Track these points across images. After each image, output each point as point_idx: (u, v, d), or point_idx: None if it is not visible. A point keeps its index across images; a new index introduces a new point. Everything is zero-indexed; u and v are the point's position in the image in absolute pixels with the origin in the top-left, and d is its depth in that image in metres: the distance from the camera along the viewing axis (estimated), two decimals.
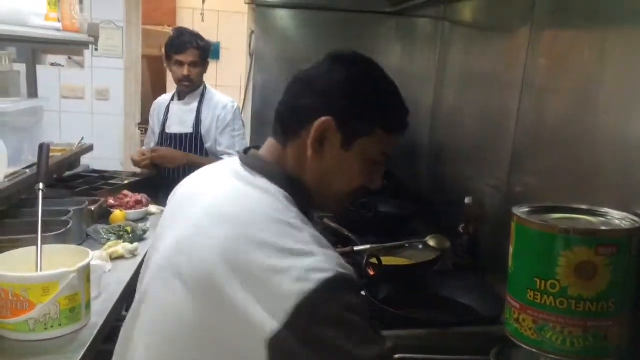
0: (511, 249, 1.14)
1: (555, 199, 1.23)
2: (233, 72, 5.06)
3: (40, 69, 3.06)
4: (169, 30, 5.51)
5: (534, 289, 1.06)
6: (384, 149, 1.02)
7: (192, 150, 2.84)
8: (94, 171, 2.94)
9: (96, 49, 3.60)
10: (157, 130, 2.96)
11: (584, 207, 1.14)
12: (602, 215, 1.11)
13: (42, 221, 1.54)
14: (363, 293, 0.92)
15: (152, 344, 0.94)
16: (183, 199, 1.07)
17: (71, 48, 2.84)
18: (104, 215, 2.30)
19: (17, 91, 2.76)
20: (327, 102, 0.98)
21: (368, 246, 1.83)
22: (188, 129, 2.86)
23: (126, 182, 2.69)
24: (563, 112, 1.47)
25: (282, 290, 0.81)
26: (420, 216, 2.35)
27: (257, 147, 1.08)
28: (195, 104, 2.88)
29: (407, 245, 1.97)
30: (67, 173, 2.68)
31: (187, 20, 5.55)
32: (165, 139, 2.90)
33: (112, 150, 3.97)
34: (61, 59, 3.96)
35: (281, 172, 1.00)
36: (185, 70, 2.78)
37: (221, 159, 2.65)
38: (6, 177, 1.83)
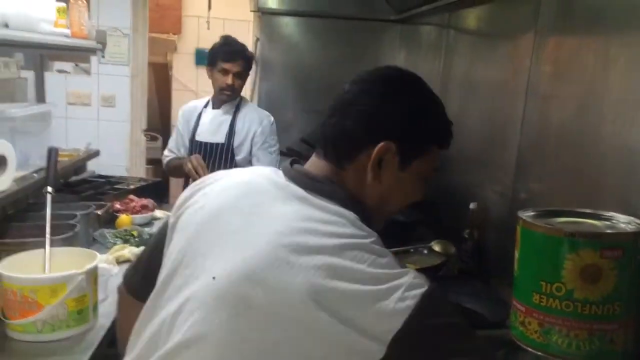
0: (517, 253, 1.14)
1: (560, 204, 1.24)
2: None
3: (47, 76, 3.09)
4: (174, 37, 5.57)
5: (539, 292, 1.07)
6: (438, 164, 1.05)
7: (222, 161, 2.77)
8: (100, 176, 2.95)
9: (103, 56, 3.63)
10: (187, 137, 2.88)
11: (589, 211, 1.15)
12: (607, 219, 1.12)
13: (50, 224, 1.55)
14: None
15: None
16: (225, 214, 0.97)
17: (79, 54, 2.87)
18: (110, 220, 2.31)
19: (24, 97, 2.79)
20: (386, 128, 0.98)
21: None
22: (220, 139, 2.77)
23: (132, 187, 2.71)
24: (567, 119, 1.48)
25: (385, 315, 0.82)
26: (425, 222, 2.36)
27: (297, 162, 1.06)
28: (230, 115, 2.80)
29: (412, 250, 1.98)
30: (74, 178, 2.70)
31: (193, 28, 5.60)
32: (195, 146, 2.81)
33: (117, 156, 3.99)
34: (68, 65, 3.99)
35: (347, 194, 0.98)
36: (229, 79, 2.71)
37: None
38: (14, 180, 1.85)
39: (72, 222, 1.91)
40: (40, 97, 2.72)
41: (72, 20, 2.40)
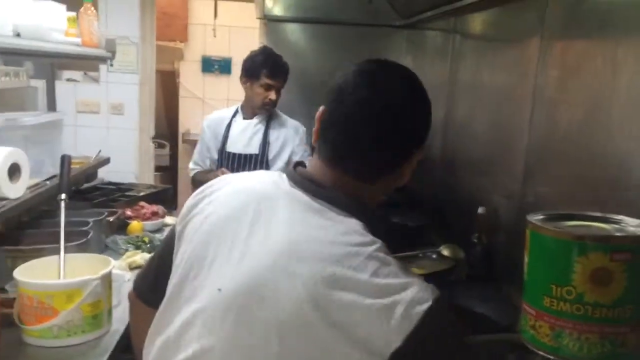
0: (526, 257, 1.15)
1: (568, 208, 1.25)
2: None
3: (57, 85, 3.13)
4: (181, 45, 5.61)
5: (550, 296, 1.07)
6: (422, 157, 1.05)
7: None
8: (111, 183, 2.98)
9: (111, 64, 3.66)
10: (214, 148, 2.81)
11: (598, 214, 1.16)
12: (616, 222, 1.13)
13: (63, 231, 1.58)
14: None
15: None
16: (230, 222, 0.97)
17: (89, 63, 2.90)
18: (121, 227, 2.34)
19: (34, 106, 2.82)
20: (419, 138, 1.03)
21: None
22: (253, 150, 2.71)
23: (142, 193, 2.73)
24: (575, 123, 1.49)
25: (386, 330, 0.82)
26: (433, 227, 2.37)
27: (301, 165, 1.06)
28: (262, 125, 2.74)
29: (420, 255, 1.99)
30: (85, 185, 2.73)
31: (199, 35, 5.63)
32: (226, 157, 2.74)
33: (126, 163, 4.02)
34: (77, 74, 4.03)
35: (352, 201, 0.97)
36: (273, 95, 2.67)
37: None
38: (28, 188, 1.88)
39: (85, 228, 1.93)
40: (51, 106, 2.76)
41: (83, 29, 2.43)
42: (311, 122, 1.07)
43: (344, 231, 0.91)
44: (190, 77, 5.71)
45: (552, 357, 1.09)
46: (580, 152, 1.44)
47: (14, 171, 1.76)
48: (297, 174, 1.01)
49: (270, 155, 2.71)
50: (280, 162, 2.71)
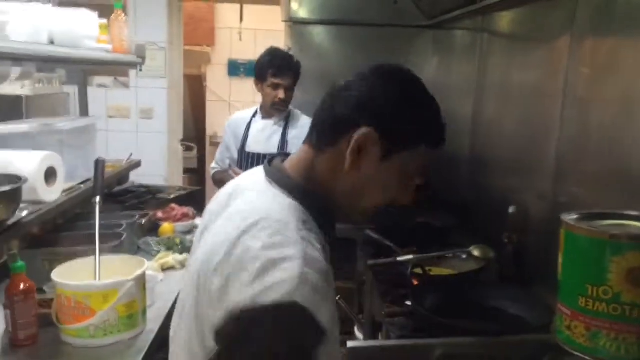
0: (560, 256, 1.14)
1: (603, 207, 1.23)
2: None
3: (88, 90, 3.19)
4: (208, 50, 5.67)
5: (585, 296, 1.06)
6: (424, 164, 1.01)
7: None
8: (142, 186, 3.03)
9: (140, 70, 3.73)
10: (235, 148, 2.87)
11: (634, 213, 1.14)
12: None
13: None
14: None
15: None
16: (213, 218, 1.04)
17: (119, 68, 2.96)
18: (152, 228, 2.38)
19: (66, 111, 2.89)
20: (371, 113, 0.96)
21: (411, 256, 1.84)
22: (272, 149, 2.72)
23: (173, 196, 2.77)
24: (608, 121, 1.47)
25: (235, 293, 0.84)
26: (463, 227, 2.36)
27: (287, 155, 1.09)
28: (281, 124, 2.79)
29: (450, 255, 1.98)
30: (117, 188, 2.78)
31: (226, 39, 5.69)
32: (245, 157, 2.79)
33: (156, 166, 4.08)
34: (107, 80, 4.12)
35: (298, 184, 0.98)
36: (281, 94, 2.71)
37: None
38: (64, 192, 1.92)
39: (118, 231, 1.97)
40: (84, 111, 2.82)
41: (113, 36, 2.49)
42: None
43: (270, 207, 0.94)
44: (216, 80, 5.77)
45: (588, 358, 1.08)
46: (613, 151, 1.42)
47: (50, 175, 1.81)
48: (269, 164, 1.06)
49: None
50: None
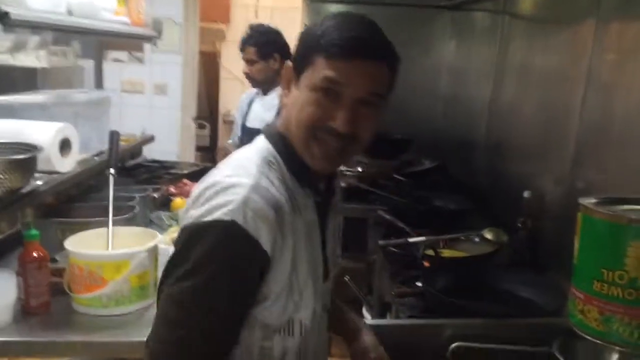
0: (577, 241, 1.13)
1: (622, 193, 1.21)
2: None
3: (103, 65, 3.19)
4: (223, 27, 5.64)
5: (600, 280, 1.05)
6: (326, 74, 0.97)
7: None
8: (155, 161, 3.03)
9: (155, 45, 3.72)
10: (239, 124, 3.00)
11: None
12: None
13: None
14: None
15: None
16: None
17: (135, 43, 2.95)
18: (164, 203, 2.38)
19: (81, 84, 2.89)
20: (290, 50, 1.10)
21: (423, 238, 1.84)
22: None
23: (186, 171, 2.78)
24: (632, 108, 1.44)
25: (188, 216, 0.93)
26: (477, 210, 2.34)
27: None
28: (277, 101, 2.77)
29: (462, 238, 1.97)
30: (130, 162, 2.79)
31: (241, 17, 5.64)
32: (246, 132, 2.91)
33: (169, 142, 4.09)
34: (122, 55, 4.11)
35: (275, 131, 1.05)
36: (246, 68, 2.82)
37: None
38: (78, 163, 1.93)
39: (131, 203, 1.98)
40: (99, 84, 2.82)
41: (131, 9, 2.48)
42: None
43: (243, 153, 1.04)
44: (231, 58, 5.72)
45: (600, 342, 1.07)
46: (635, 138, 1.40)
47: (64, 146, 1.81)
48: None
49: None
50: None
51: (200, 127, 5.33)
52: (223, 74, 5.77)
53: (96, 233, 1.62)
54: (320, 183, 1.08)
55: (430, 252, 1.75)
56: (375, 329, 1.27)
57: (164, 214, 2.21)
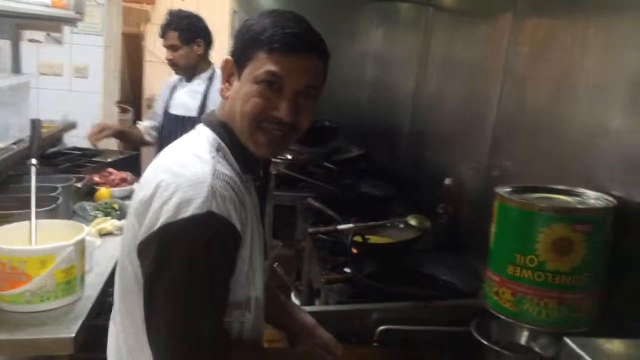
0: (493, 227, 1.21)
1: (532, 181, 1.30)
2: (214, 52, 5.03)
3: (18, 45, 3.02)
4: (148, 8, 5.44)
5: (514, 264, 1.14)
6: (268, 68, 1.03)
7: None
8: (76, 148, 2.92)
9: (75, 26, 3.55)
10: (160, 110, 2.88)
11: (562, 187, 1.22)
12: (578, 195, 1.19)
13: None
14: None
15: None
16: None
17: (54, 24, 2.81)
18: (88, 193, 2.31)
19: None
20: (231, 46, 1.12)
21: (351, 225, 1.90)
22: (192, 112, 2.71)
23: (110, 159, 2.70)
24: (543, 99, 1.53)
25: (155, 210, 0.96)
26: (401, 197, 2.43)
27: None
28: (202, 88, 2.77)
29: (388, 224, 2.05)
30: (50, 150, 2.67)
31: None
32: (168, 119, 2.81)
33: (89, 127, 3.93)
34: (39, 35, 3.90)
35: (216, 120, 1.11)
36: (169, 54, 2.74)
37: None
38: None
39: (53, 194, 1.90)
40: (16, 68, 2.67)
41: None
42: None
43: (186, 142, 1.12)
44: (156, 40, 5.55)
45: (512, 321, 1.17)
46: (546, 128, 1.49)
47: None
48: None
49: None
50: None
51: (123, 111, 5.14)
52: (147, 57, 5.58)
53: (17, 227, 1.55)
54: (259, 169, 1.14)
55: (358, 238, 1.81)
56: None
57: (88, 205, 2.15)
